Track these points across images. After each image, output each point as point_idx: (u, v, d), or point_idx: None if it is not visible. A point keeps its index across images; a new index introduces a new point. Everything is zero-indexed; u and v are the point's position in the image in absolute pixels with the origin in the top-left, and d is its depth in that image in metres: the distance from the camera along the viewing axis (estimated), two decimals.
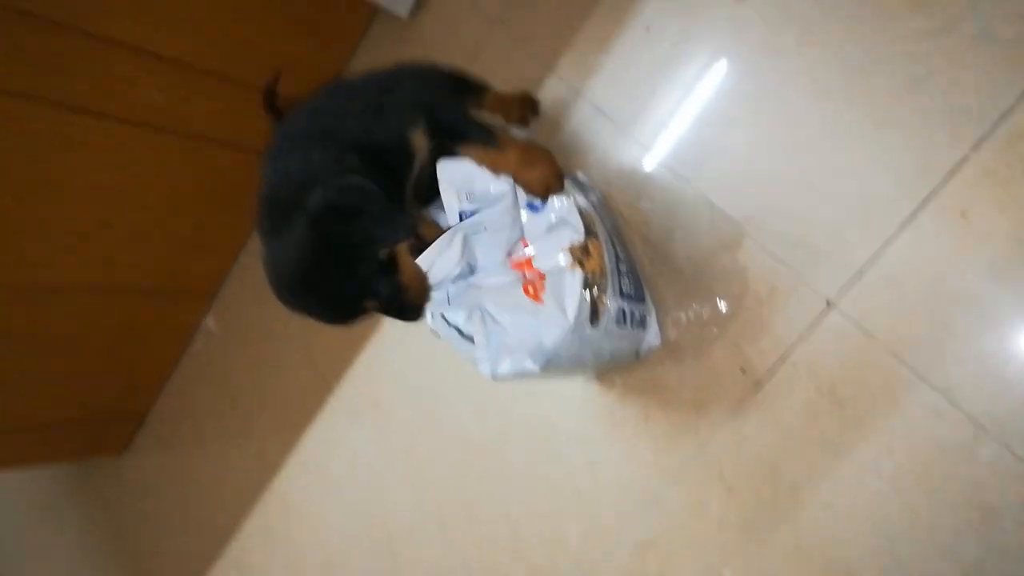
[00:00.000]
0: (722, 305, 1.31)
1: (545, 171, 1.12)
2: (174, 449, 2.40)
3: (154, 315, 2.19)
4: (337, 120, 1.07)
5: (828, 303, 1.21)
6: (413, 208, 1.18)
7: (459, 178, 1.14)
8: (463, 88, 1.44)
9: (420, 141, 1.09)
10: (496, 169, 1.12)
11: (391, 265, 1.01)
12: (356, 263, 0.96)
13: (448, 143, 1.12)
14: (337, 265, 0.95)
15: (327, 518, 1.91)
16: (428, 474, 1.70)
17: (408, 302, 1.05)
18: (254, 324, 2.18)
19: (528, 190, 1.12)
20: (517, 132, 1.56)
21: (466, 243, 1.10)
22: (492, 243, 1.11)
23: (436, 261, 1.08)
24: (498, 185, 1.13)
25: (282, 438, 2.04)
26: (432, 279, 1.09)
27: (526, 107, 1.54)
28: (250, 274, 2.21)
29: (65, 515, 2.76)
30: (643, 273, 1.37)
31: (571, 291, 1.06)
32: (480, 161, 1.12)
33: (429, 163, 1.12)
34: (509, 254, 1.14)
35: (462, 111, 1.15)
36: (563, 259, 1.07)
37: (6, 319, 1.84)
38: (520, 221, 1.12)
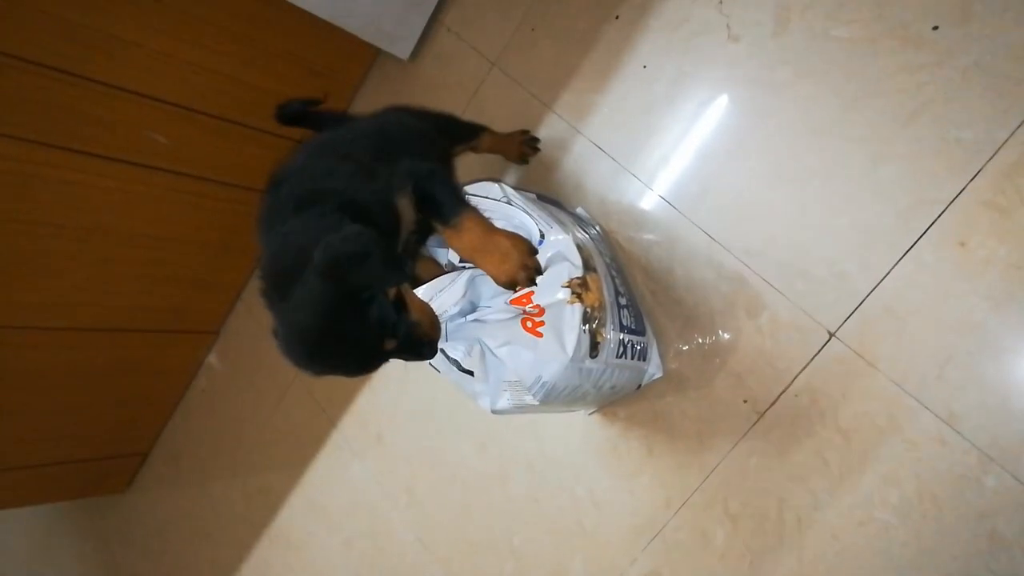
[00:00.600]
0: (724, 336, 1.32)
1: (509, 261, 1.09)
2: (176, 486, 2.38)
3: (157, 353, 2.19)
4: (327, 181, 1.07)
5: (829, 333, 1.21)
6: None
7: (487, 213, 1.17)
8: (454, 133, 1.45)
9: (406, 208, 1.08)
10: (461, 255, 1.12)
11: (399, 304, 1.01)
12: (369, 307, 0.95)
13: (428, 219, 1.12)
14: (352, 312, 0.95)
15: (328, 554, 1.89)
16: (430, 508, 1.69)
17: (421, 337, 1.04)
18: (257, 361, 2.18)
19: (493, 278, 1.10)
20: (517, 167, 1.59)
21: (471, 283, 1.11)
22: (497, 286, 1.12)
23: (436, 296, 1.09)
24: (525, 229, 1.14)
25: (284, 474, 2.03)
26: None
27: (525, 144, 1.56)
28: (252, 311, 2.21)
29: (66, 552, 2.73)
30: (644, 306, 1.38)
31: (570, 325, 1.06)
32: (448, 244, 1.12)
33: (417, 230, 1.13)
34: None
35: (448, 190, 1.12)
36: (562, 294, 1.08)
37: (8, 359, 1.85)
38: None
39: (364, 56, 1.93)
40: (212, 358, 2.32)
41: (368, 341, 0.98)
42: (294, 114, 1.42)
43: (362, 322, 0.95)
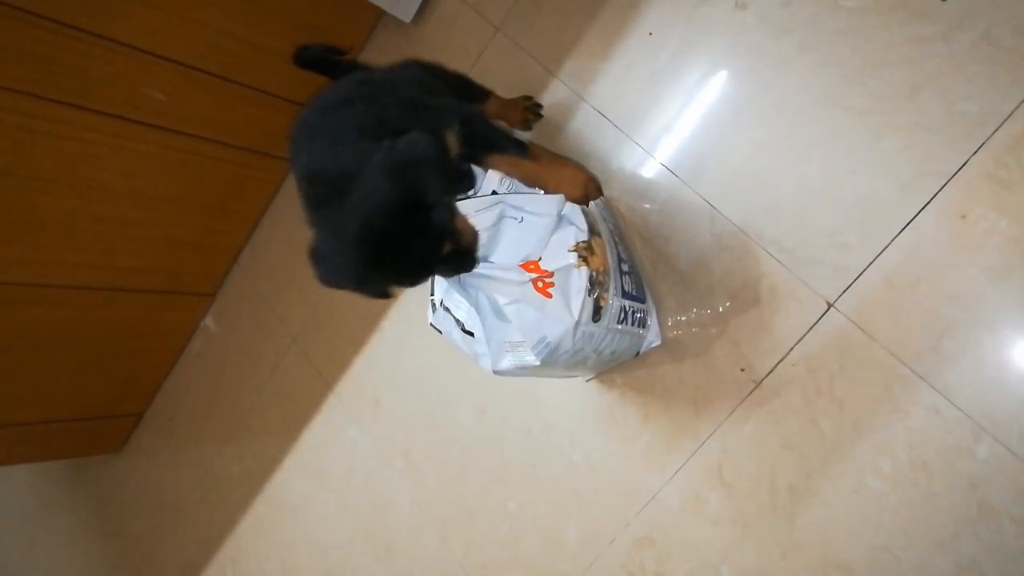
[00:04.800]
0: (722, 305, 1.32)
1: (580, 176, 1.17)
2: (172, 447, 2.39)
3: (153, 314, 2.19)
4: (378, 111, 1.07)
5: (828, 304, 1.22)
6: None
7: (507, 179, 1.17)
8: (466, 94, 1.45)
9: (453, 142, 1.09)
10: (529, 179, 1.14)
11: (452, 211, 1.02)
12: (432, 210, 0.96)
13: (477, 153, 1.13)
14: (418, 213, 0.95)
15: (324, 517, 1.91)
16: (426, 473, 1.71)
17: (464, 247, 1.06)
18: (253, 324, 2.18)
19: (567, 197, 1.15)
20: (523, 135, 1.58)
21: (499, 220, 1.11)
22: (518, 239, 1.12)
23: (470, 217, 1.09)
24: (549, 204, 1.15)
25: (280, 437, 2.04)
26: None
27: (528, 110, 1.56)
28: (249, 274, 2.21)
29: (60, 512, 2.74)
30: (644, 274, 1.39)
31: (576, 288, 1.07)
32: (511, 172, 1.14)
33: (462, 160, 1.14)
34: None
35: (498, 129, 1.18)
36: (570, 258, 1.08)
37: (4, 317, 1.84)
38: (551, 237, 1.13)
39: (367, 18, 1.91)
40: (208, 320, 2.32)
41: (430, 243, 0.99)
42: (313, 58, 1.40)
43: (427, 224, 0.96)
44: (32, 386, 2.08)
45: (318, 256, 1.02)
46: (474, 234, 1.09)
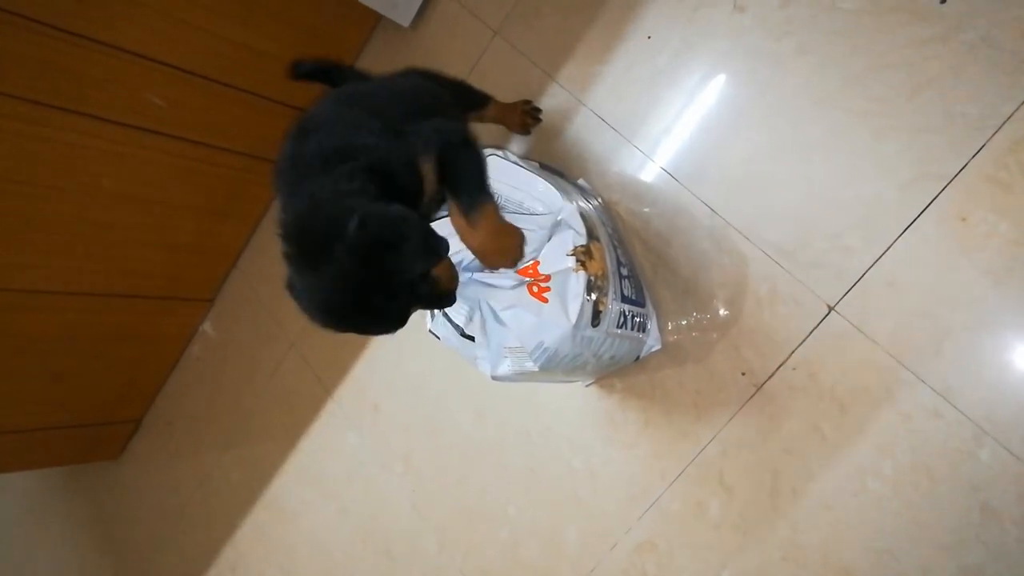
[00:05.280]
0: (723, 309, 1.32)
1: (508, 252, 1.09)
2: (170, 454, 2.39)
3: (152, 319, 2.18)
4: (357, 136, 1.04)
5: (829, 307, 1.22)
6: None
7: (504, 181, 1.16)
8: (466, 100, 1.44)
9: (429, 173, 1.07)
10: (462, 238, 1.09)
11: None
12: (402, 286, 0.95)
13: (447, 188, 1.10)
14: (385, 292, 0.95)
15: (324, 522, 1.90)
16: (426, 477, 1.70)
17: (441, 291, 1.04)
18: (252, 329, 2.18)
19: (485, 263, 1.10)
20: (520, 141, 1.58)
21: None
22: None
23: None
24: (547, 206, 1.14)
25: (279, 443, 2.03)
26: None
27: (527, 114, 1.56)
28: (248, 279, 2.21)
29: (57, 519, 2.73)
30: (644, 278, 1.38)
31: (574, 293, 1.06)
32: (452, 222, 1.10)
33: (439, 192, 1.11)
34: None
35: (476, 168, 1.09)
36: (568, 262, 1.08)
37: (2, 323, 1.84)
38: (544, 246, 1.12)
39: (365, 22, 1.91)
40: (207, 326, 2.31)
41: (397, 312, 0.99)
42: (309, 71, 1.38)
43: (393, 299, 0.96)
44: (30, 392, 2.07)
45: (295, 293, 1.01)
46: (452, 274, 1.07)
